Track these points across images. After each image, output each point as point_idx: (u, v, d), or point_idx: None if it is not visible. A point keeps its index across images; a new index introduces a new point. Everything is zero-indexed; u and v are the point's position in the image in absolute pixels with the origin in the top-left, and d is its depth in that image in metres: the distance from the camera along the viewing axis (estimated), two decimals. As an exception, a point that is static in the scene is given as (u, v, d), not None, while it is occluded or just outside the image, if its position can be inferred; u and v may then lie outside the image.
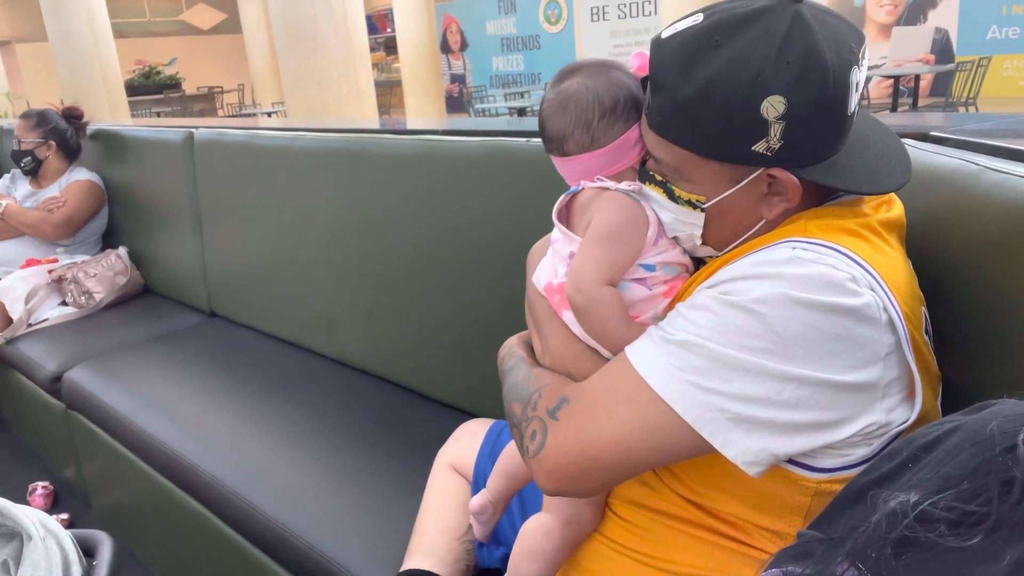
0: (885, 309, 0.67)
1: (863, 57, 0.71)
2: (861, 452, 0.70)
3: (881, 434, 0.69)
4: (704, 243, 0.80)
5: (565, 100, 0.82)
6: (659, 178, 0.79)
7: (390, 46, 13.95)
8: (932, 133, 1.03)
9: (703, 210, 0.77)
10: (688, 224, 0.79)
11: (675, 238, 0.82)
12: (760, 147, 0.70)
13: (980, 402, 0.56)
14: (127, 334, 2.48)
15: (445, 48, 12.85)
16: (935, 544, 0.45)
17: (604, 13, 11.02)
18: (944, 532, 0.45)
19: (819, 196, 0.78)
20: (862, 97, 0.75)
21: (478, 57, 12.75)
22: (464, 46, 12.88)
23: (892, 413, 0.69)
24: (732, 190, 0.75)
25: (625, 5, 10.90)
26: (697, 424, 0.68)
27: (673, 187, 0.78)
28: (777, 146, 0.70)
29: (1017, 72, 8.74)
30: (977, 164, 0.84)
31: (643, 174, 0.81)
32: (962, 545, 0.44)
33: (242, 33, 12.46)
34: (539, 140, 1.44)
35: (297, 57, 4.58)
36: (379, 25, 14.57)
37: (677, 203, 0.78)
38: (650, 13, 10.56)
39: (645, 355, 0.72)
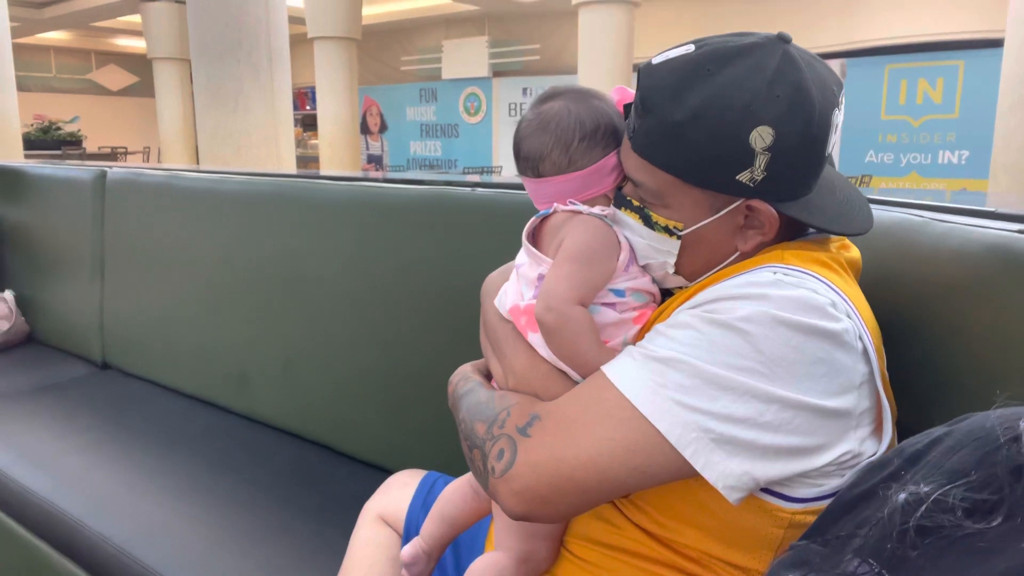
0: (860, 338, 0.68)
1: (841, 101, 0.75)
2: (835, 482, 0.69)
3: (854, 464, 0.69)
4: (676, 272, 0.80)
5: (546, 120, 0.82)
6: (636, 203, 0.79)
7: (308, 123, 13.98)
8: (870, 197, 1.09)
9: (679, 237, 0.77)
10: (663, 251, 0.79)
11: (645, 266, 0.82)
12: (744, 177, 0.72)
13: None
14: (4, 384, 2.24)
15: (364, 129, 12.99)
16: (956, 529, 0.44)
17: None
18: (962, 518, 0.44)
19: (788, 234, 0.80)
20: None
21: (396, 140, 12.93)
22: (383, 128, 13.06)
23: (864, 444, 0.69)
24: (711, 219, 0.76)
25: (541, 104, 11.39)
26: (680, 444, 0.65)
27: (651, 213, 0.78)
28: (760, 177, 0.72)
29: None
30: (922, 216, 0.89)
31: (619, 199, 0.81)
32: (983, 528, 0.43)
33: (154, 97, 12.18)
34: (484, 190, 1.45)
35: (216, 115, 4.49)
36: (299, 102, 14.63)
37: (653, 229, 0.78)
38: (565, 113, 11.06)
39: (626, 372, 0.69)
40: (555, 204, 0.83)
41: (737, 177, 0.71)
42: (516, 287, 0.85)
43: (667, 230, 0.77)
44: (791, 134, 0.70)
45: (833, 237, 0.80)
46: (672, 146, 0.73)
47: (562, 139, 0.81)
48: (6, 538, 1.63)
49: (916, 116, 8.67)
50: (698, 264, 0.79)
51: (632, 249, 0.81)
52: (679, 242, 0.77)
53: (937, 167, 8.65)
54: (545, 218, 0.84)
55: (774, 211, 0.74)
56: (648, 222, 0.78)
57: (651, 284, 0.82)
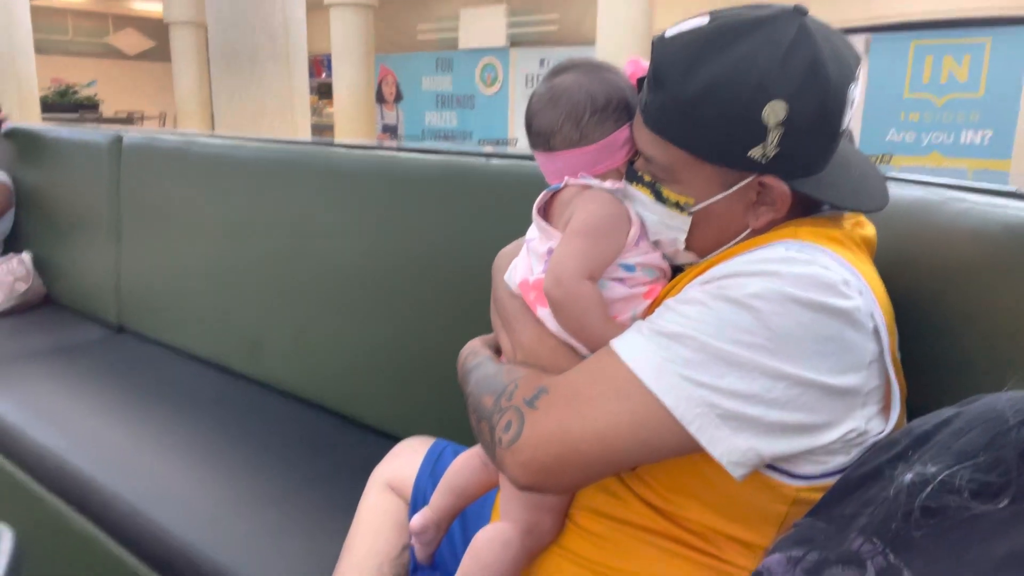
0: (872, 316, 0.68)
1: (859, 76, 0.73)
2: (840, 460, 0.69)
3: (859, 442, 0.68)
4: (687, 248, 0.79)
5: (557, 95, 0.81)
6: (647, 179, 0.78)
7: (323, 91, 13.92)
8: (887, 175, 1.07)
9: (690, 213, 0.77)
10: (673, 227, 0.78)
11: (656, 242, 0.81)
12: (756, 152, 0.71)
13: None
14: (21, 344, 2.27)
15: (379, 98, 12.91)
16: (962, 510, 0.44)
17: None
18: (968, 499, 0.44)
19: (802, 211, 0.79)
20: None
21: (412, 110, 12.85)
22: (399, 98, 12.97)
23: (870, 422, 0.69)
24: (722, 195, 0.75)
25: (559, 75, 11.24)
26: (685, 419, 0.65)
27: (662, 188, 0.77)
28: (772, 153, 0.71)
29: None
30: (940, 195, 0.87)
31: (631, 174, 0.80)
32: (989, 510, 0.43)
33: (171, 62, 12.14)
34: (500, 161, 1.45)
35: (232, 82, 4.47)
36: (314, 70, 14.56)
37: (664, 205, 0.77)
38: (582, 85, 10.92)
39: (633, 346, 0.69)
40: (566, 178, 0.82)
41: (749, 153, 0.70)
42: (526, 261, 0.84)
43: (678, 206, 0.76)
44: (805, 109, 0.68)
45: (847, 214, 0.79)
46: (684, 121, 0.71)
47: (573, 113, 0.80)
48: (22, 494, 1.66)
49: (939, 95, 8.51)
50: (709, 240, 0.78)
51: (643, 224, 0.80)
52: (690, 218, 0.76)
53: (960, 147, 8.50)
54: (556, 192, 0.84)
55: (787, 187, 0.73)
56: (659, 197, 0.77)
57: (661, 259, 0.82)
